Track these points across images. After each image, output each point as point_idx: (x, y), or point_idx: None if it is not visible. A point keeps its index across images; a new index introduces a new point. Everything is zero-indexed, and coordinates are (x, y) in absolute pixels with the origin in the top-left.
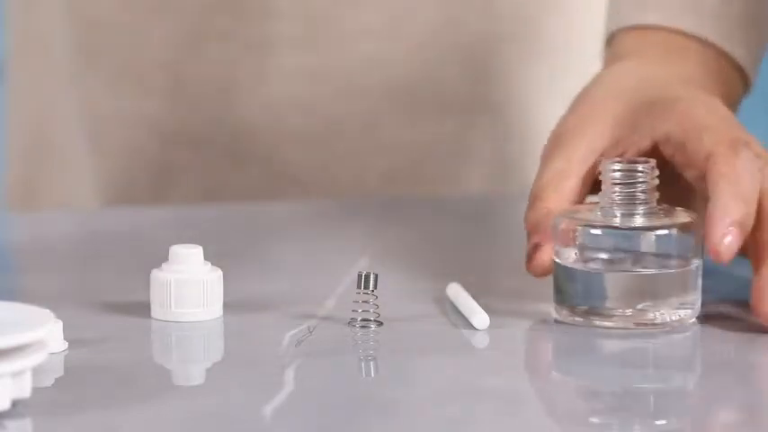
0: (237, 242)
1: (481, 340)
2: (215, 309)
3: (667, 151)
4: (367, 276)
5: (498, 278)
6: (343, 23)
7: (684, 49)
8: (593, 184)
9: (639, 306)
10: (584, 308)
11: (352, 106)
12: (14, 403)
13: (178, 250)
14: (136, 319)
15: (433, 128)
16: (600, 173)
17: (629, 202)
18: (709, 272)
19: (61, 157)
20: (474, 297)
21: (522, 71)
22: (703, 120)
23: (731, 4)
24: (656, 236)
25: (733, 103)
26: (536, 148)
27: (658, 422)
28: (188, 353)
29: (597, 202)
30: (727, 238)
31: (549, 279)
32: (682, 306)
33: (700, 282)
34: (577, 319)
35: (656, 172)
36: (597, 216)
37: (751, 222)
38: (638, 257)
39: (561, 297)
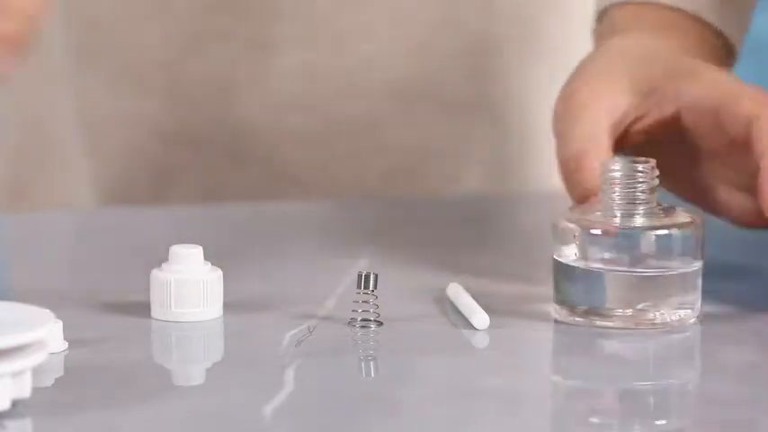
0: (237, 242)
1: (481, 340)
2: (215, 309)
3: (691, 118)
4: (367, 276)
5: (498, 278)
6: (343, 23)
7: (679, 25)
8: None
9: (639, 306)
10: (584, 308)
11: (352, 106)
12: (14, 403)
13: (178, 250)
14: (136, 319)
15: (433, 128)
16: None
17: (629, 202)
18: (710, 272)
19: (60, 157)
20: (474, 297)
21: (522, 71)
22: (735, 87)
23: None
24: (656, 236)
25: None
26: (536, 148)
27: (658, 422)
28: (188, 353)
29: (597, 203)
30: None
31: (549, 279)
32: (682, 306)
33: (700, 282)
34: (577, 319)
35: (657, 172)
36: (597, 216)
37: None
38: (637, 258)
39: (561, 297)
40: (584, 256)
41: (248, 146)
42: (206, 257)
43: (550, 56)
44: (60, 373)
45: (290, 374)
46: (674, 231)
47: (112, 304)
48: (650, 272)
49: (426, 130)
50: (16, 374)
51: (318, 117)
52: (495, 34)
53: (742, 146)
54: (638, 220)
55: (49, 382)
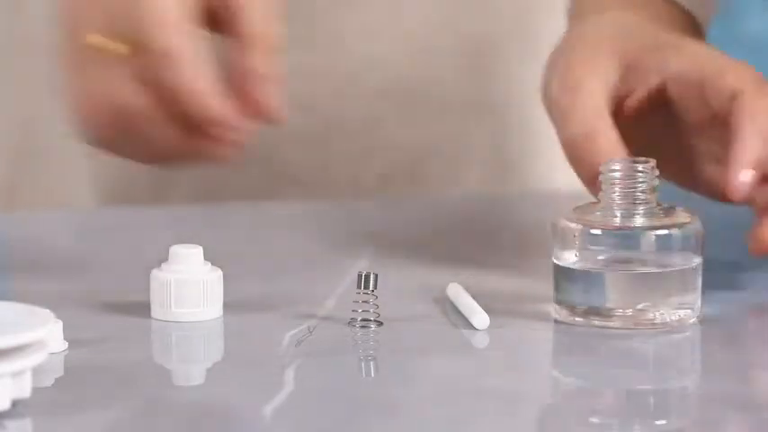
0: (237, 242)
1: (481, 340)
2: (215, 309)
3: (676, 89)
4: (367, 276)
5: (498, 278)
6: (343, 23)
7: (649, 3)
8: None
9: (639, 306)
10: (584, 308)
11: (352, 106)
12: (14, 403)
13: (178, 250)
14: (136, 319)
15: (432, 128)
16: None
17: (629, 202)
18: (710, 272)
19: (58, 157)
20: (474, 297)
21: (521, 71)
22: (721, 60)
23: None
24: (656, 236)
25: None
26: (536, 148)
27: (658, 422)
28: (188, 353)
29: (597, 202)
30: (744, 176)
31: (549, 279)
32: (682, 306)
33: (700, 282)
34: (577, 319)
35: (657, 172)
36: (597, 216)
37: None
38: (637, 257)
39: (561, 297)
40: (583, 256)
41: (248, 146)
42: (206, 257)
43: None
44: (60, 373)
45: (290, 374)
46: (674, 231)
47: (112, 304)
48: (650, 272)
49: (426, 130)
50: (16, 374)
51: (318, 117)
52: (495, 34)
53: (724, 120)
54: (638, 220)
55: (49, 382)
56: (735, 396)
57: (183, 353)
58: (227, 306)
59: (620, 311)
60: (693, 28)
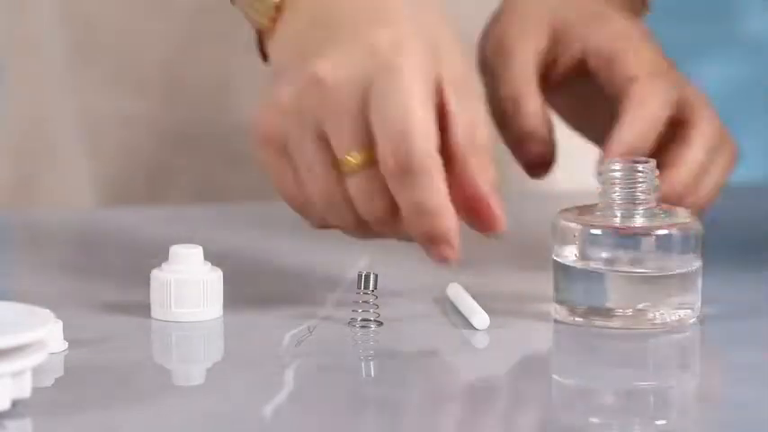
0: (237, 242)
1: (481, 340)
2: (215, 309)
3: (593, 63)
4: (367, 276)
5: (498, 278)
6: None
7: None
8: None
9: (639, 306)
10: (584, 308)
11: None
12: (14, 403)
13: (178, 250)
14: (136, 319)
15: None
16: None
17: (629, 202)
18: (709, 272)
19: (58, 157)
20: (474, 297)
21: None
22: (633, 42)
23: None
24: (656, 236)
25: None
26: None
27: (658, 422)
28: (188, 353)
29: (597, 203)
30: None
31: (549, 279)
32: (682, 306)
33: (699, 282)
34: (577, 319)
35: (657, 172)
36: (597, 216)
37: (644, 152)
38: (637, 257)
39: (561, 297)
40: (583, 255)
41: (246, 146)
42: (206, 257)
43: None
44: (60, 373)
45: (289, 374)
46: (674, 231)
47: (112, 304)
48: (650, 272)
49: None
50: (16, 374)
51: None
52: None
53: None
54: (638, 220)
55: (49, 382)
56: (735, 396)
57: (183, 353)
58: (227, 306)
59: (620, 311)
60: None
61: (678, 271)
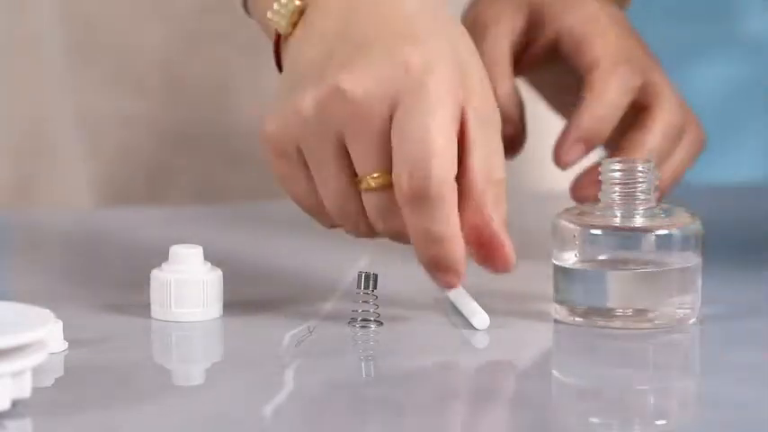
0: (237, 242)
1: (481, 340)
2: (215, 309)
3: (565, 46)
4: (367, 276)
5: (498, 278)
6: None
7: None
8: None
9: (639, 306)
10: (584, 308)
11: None
12: (14, 403)
13: (178, 250)
14: (136, 319)
15: None
16: (600, 172)
17: (629, 202)
18: (709, 272)
19: (57, 157)
20: (474, 297)
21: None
22: (603, 25)
23: None
24: (656, 236)
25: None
26: (535, 148)
27: (658, 422)
28: (188, 353)
29: (597, 203)
30: (571, 149)
31: (549, 279)
32: (682, 306)
33: (699, 282)
34: (577, 319)
35: (657, 172)
36: (597, 216)
37: (602, 138)
38: (637, 257)
39: (561, 297)
40: (583, 256)
41: (246, 146)
42: (206, 257)
43: None
44: (60, 373)
45: (289, 374)
46: (674, 231)
47: (112, 304)
48: (650, 272)
49: None
50: (16, 374)
51: None
52: None
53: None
54: (638, 220)
55: (49, 382)
56: (735, 396)
57: (183, 353)
58: (227, 306)
59: (620, 311)
60: None
61: (678, 271)
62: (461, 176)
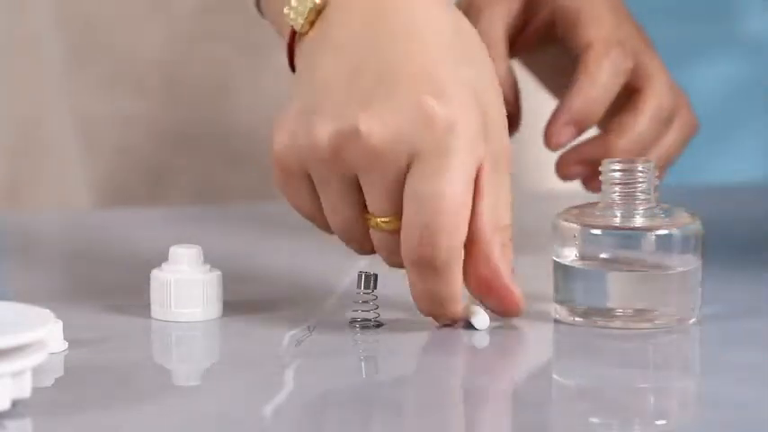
0: (237, 242)
1: (481, 340)
2: (215, 309)
3: (559, 27)
4: (367, 276)
5: None
6: None
7: None
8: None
9: (639, 306)
10: (584, 308)
11: None
12: (14, 403)
13: (178, 250)
14: (136, 319)
15: None
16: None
17: (629, 202)
18: (709, 272)
19: (56, 157)
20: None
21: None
22: (598, 7)
23: None
24: (656, 236)
25: None
26: (535, 148)
27: (658, 422)
28: (188, 353)
29: (597, 202)
30: (562, 131)
31: (549, 279)
32: (682, 306)
33: (699, 282)
34: (577, 319)
35: (657, 172)
36: (597, 216)
37: (593, 120)
38: (637, 257)
39: (561, 297)
40: (583, 255)
41: (245, 146)
42: (205, 257)
43: None
44: (60, 373)
45: (289, 374)
46: (674, 231)
47: (112, 304)
48: (650, 272)
49: None
50: (16, 374)
51: None
52: None
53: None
54: (638, 220)
55: (49, 382)
56: (735, 396)
57: (183, 353)
58: (227, 306)
59: (620, 311)
60: None
61: (678, 271)
62: (470, 220)
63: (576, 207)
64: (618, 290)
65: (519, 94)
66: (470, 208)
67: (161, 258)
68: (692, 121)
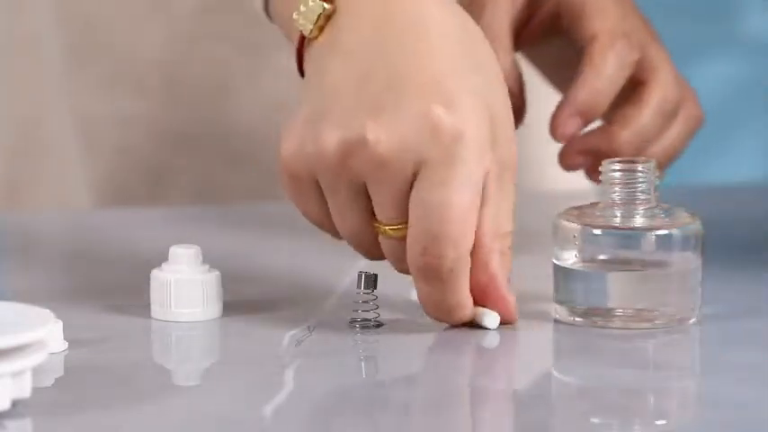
0: (237, 242)
1: (481, 340)
2: (215, 309)
3: (564, 19)
4: (367, 276)
5: None
6: None
7: None
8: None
9: (639, 306)
10: (584, 308)
11: None
12: (14, 403)
13: (178, 250)
14: (136, 319)
15: None
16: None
17: (629, 202)
18: (709, 272)
19: (56, 157)
20: None
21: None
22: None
23: None
24: (656, 236)
25: None
26: (535, 148)
27: (658, 422)
28: (188, 353)
29: (597, 203)
30: (567, 122)
31: (549, 279)
32: (682, 306)
33: (699, 282)
34: (577, 319)
35: (657, 172)
36: (597, 216)
37: (599, 112)
38: (637, 257)
39: (561, 297)
40: (583, 255)
41: (245, 146)
42: (205, 258)
43: None
44: (60, 373)
45: (289, 374)
46: (674, 231)
47: (112, 304)
48: (650, 272)
49: None
50: (16, 374)
51: None
52: None
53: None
54: (638, 220)
55: (49, 382)
56: (735, 396)
57: (183, 353)
58: (227, 306)
59: (620, 311)
60: None
61: (678, 271)
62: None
63: (576, 207)
64: (618, 290)
65: (524, 87)
66: (477, 217)
67: (161, 258)
68: (697, 115)
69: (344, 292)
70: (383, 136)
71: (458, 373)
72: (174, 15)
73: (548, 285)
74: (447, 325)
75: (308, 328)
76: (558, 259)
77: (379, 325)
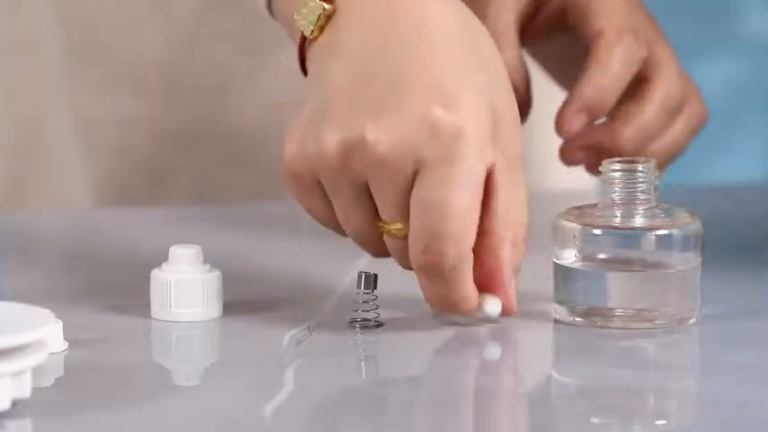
0: (237, 242)
1: (481, 340)
2: (215, 309)
3: (570, 15)
4: (367, 276)
5: None
6: None
7: None
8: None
9: (639, 306)
10: (584, 308)
11: None
12: (14, 403)
13: (178, 250)
14: (136, 319)
15: None
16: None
17: (629, 202)
18: (709, 272)
19: (56, 157)
20: None
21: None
22: None
23: None
24: (656, 236)
25: None
26: (535, 148)
27: (658, 422)
28: (188, 353)
29: (598, 203)
30: (573, 118)
31: (549, 279)
32: (682, 306)
33: (699, 282)
34: (577, 319)
35: (657, 172)
36: (597, 216)
37: (605, 108)
38: (637, 257)
39: (561, 297)
40: (583, 256)
41: (245, 146)
42: (205, 257)
43: None
44: (60, 373)
45: (289, 374)
46: (674, 231)
47: (112, 304)
48: (650, 272)
49: None
50: (16, 374)
51: None
52: None
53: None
54: (638, 220)
55: (49, 382)
56: (735, 396)
57: (183, 353)
58: (227, 306)
59: (620, 311)
60: None
61: (678, 271)
62: (483, 216)
63: (576, 207)
64: (618, 290)
65: (530, 83)
66: (478, 213)
67: (161, 258)
68: (701, 112)
69: (344, 292)
70: (383, 136)
71: (458, 373)
72: (174, 15)
73: (548, 285)
74: (447, 325)
75: (308, 328)
76: (558, 259)
77: (379, 325)
